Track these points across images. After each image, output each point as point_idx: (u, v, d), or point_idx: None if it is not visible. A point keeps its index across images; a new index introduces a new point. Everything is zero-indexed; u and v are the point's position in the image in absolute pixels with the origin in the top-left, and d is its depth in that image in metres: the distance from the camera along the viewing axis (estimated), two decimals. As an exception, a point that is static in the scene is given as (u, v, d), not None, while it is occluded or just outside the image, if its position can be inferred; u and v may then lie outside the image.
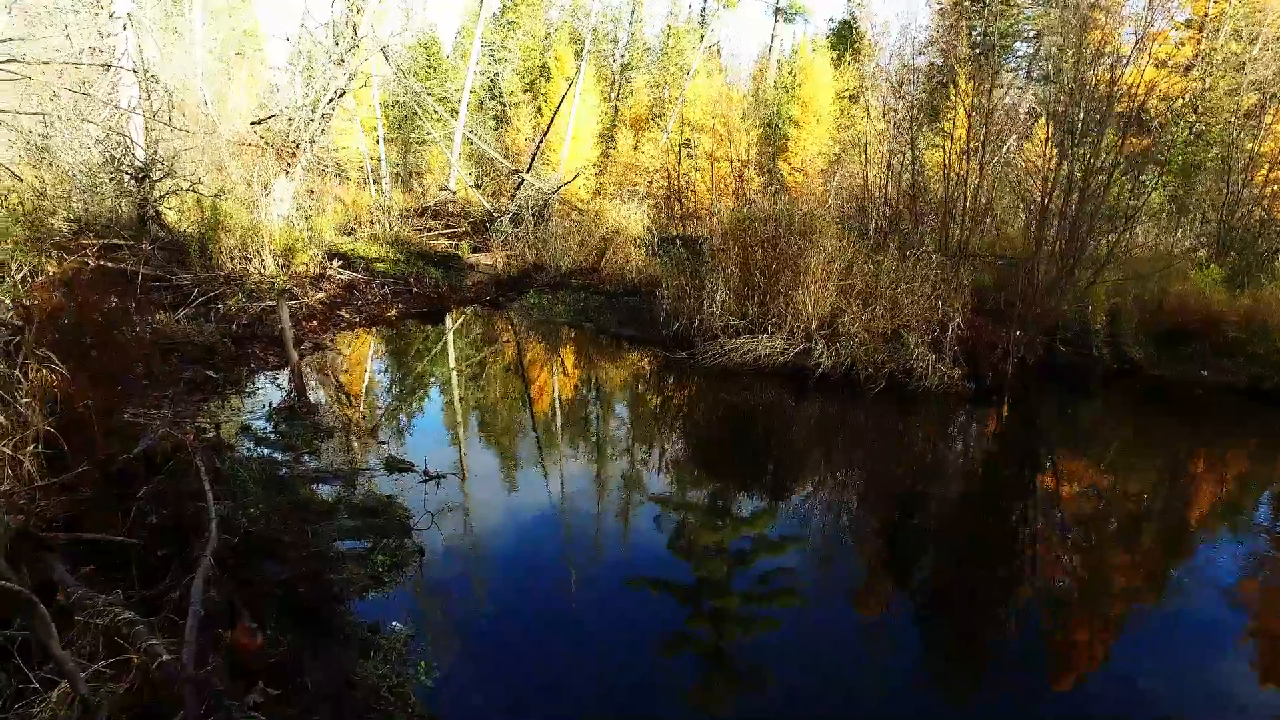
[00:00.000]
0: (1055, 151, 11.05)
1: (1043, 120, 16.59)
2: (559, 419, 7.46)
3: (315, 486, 4.77)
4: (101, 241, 12.91)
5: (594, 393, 9.05)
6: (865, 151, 16.20)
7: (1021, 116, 19.96)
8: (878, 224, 12.38)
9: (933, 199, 13.90)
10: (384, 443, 5.91)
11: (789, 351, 9.71)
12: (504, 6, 37.69)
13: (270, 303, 10.60)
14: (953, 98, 17.14)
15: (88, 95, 13.85)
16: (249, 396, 6.68)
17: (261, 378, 7.35)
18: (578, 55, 31.82)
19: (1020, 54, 35.02)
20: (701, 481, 6.18)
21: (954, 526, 5.59)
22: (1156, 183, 15.35)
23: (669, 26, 39.58)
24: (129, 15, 15.50)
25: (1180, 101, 20.12)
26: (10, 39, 9.95)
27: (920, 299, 10.11)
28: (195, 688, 2.11)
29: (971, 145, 12.64)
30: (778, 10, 42.29)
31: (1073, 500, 6.16)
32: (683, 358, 9.89)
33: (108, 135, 13.14)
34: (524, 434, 6.84)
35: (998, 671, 3.70)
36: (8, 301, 4.27)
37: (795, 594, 4.29)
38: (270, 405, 6.29)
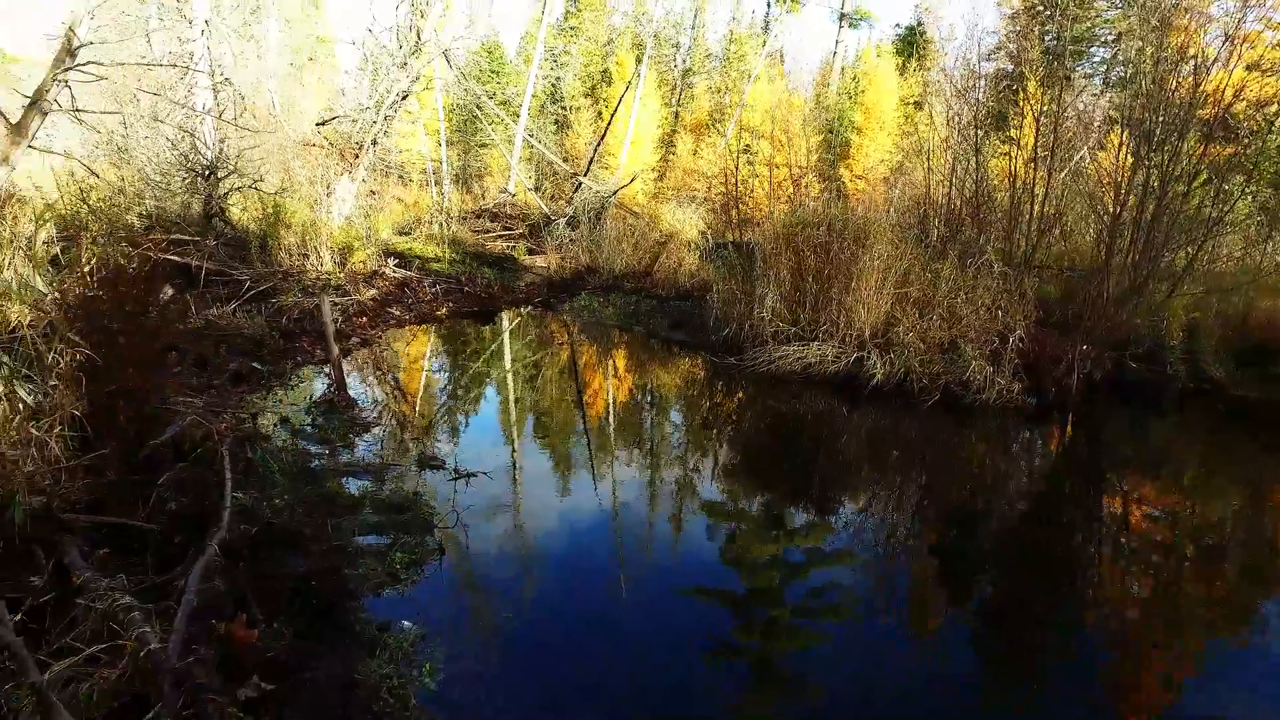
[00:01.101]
0: (1130, 159, 10.53)
1: (1117, 127, 15.90)
2: (601, 422, 7.34)
3: (344, 480, 4.74)
4: (170, 237, 13.38)
5: (639, 397, 8.91)
6: (928, 158, 15.82)
7: (1095, 124, 19.20)
8: (938, 232, 11.96)
9: (997, 207, 13.42)
10: (418, 439, 5.86)
11: (840, 360, 9.43)
12: (567, 12, 37.99)
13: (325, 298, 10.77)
14: (1021, 104, 16.55)
15: (164, 98, 14.35)
16: (291, 389, 6.73)
17: (306, 371, 7.42)
18: (639, 60, 31.88)
19: (1096, 59, 33.79)
20: (748, 491, 5.97)
21: (1012, 547, 5.27)
22: (1243, 192, 14.51)
23: (731, 32, 39.38)
24: (206, 22, 16.05)
25: (1275, 107, 19.06)
26: (91, 42, 10.29)
27: (980, 309, 9.72)
28: (175, 678, 2.04)
29: (1040, 153, 12.17)
30: (842, 16, 41.73)
31: (1142, 524, 5.75)
32: (731, 363, 9.70)
33: (181, 136, 13.58)
34: (563, 436, 6.73)
35: (1052, 700, 3.42)
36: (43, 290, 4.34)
37: (845, 608, 4.09)
38: (310, 398, 6.32)
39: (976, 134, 13.93)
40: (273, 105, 20.46)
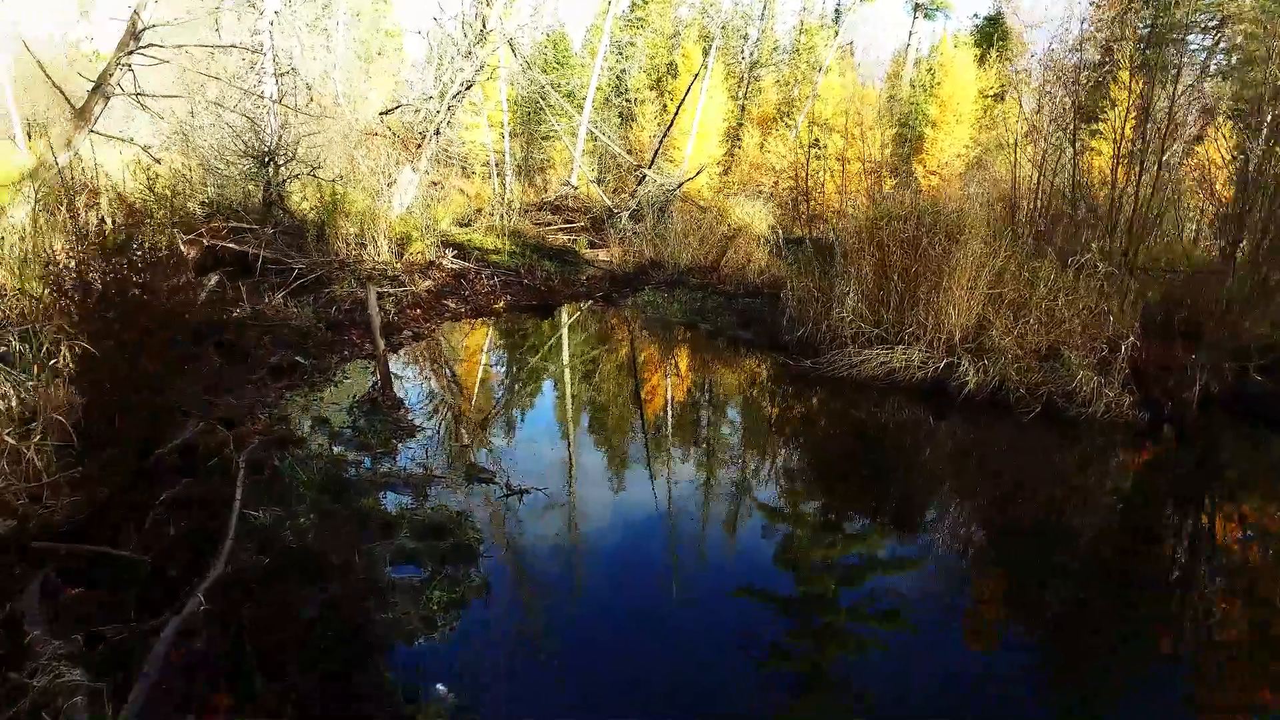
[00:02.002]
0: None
1: (1219, 118, 14.57)
2: (666, 429, 6.62)
3: (381, 494, 4.17)
4: (229, 224, 13.20)
5: (706, 401, 8.17)
6: (1015, 151, 14.86)
7: (1193, 116, 17.75)
8: (1034, 228, 10.95)
9: (1096, 203, 12.36)
10: (467, 446, 5.28)
11: (928, 366, 8.58)
12: (633, 4, 37.36)
13: (379, 289, 10.37)
14: (1113, 95, 15.30)
15: (231, 85, 14.22)
16: (335, 385, 6.23)
17: (353, 366, 6.94)
18: (706, 52, 31.09)
19: (1193, 47, 31.63)
20: (826, 505, 5.28)
21: (1101, 570, 4.57)
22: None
23: (801, 22, 38.21)
24: (276, 13, 15.96)
25: None
26: (155, 25, 10.05)
27: (1084, 313, 8.78)
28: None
29: (1139, 146, 11.11)
30: (917, 6, 40.24)
31: (1258, 555, 4.90)
32: (807, 366, 8.92)
33: (243, 122, 13.39)
34: (625, 445, 6.05)
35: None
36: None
37: (905, 619, 3.71)
38: (353, 397, 5.80)
39: (1075, 123, 12.88)
40: (337, 95, 20.33)
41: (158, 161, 12.92)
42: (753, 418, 7.64)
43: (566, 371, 8.37)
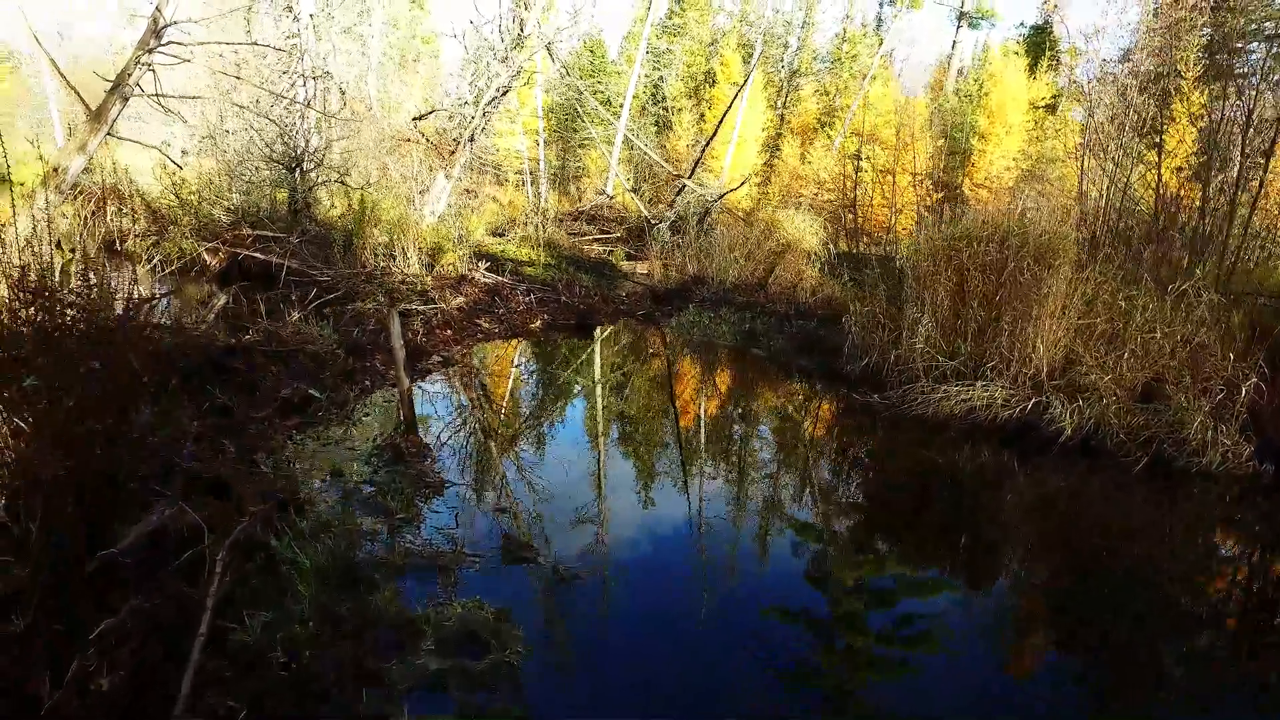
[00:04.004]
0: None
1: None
2: (737, 489, 5.61)
3: (401, 582, 3.38)
4: (255, 233, 12.62)
5: (776, 448, 7.07)
6: (1081, 161, 13.91)
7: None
8: (1130, 249, 9.95)
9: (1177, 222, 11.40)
10: (504, 509, 4.46)
11: (1012, 404, 7.66)
12: (670, 11, 36.73)
13: (406, 306, 9.65)
14: (1175, 107, 14.23)
15: (262, 88, 13.68)
16: (354, 424, 5.46)
17: (377, 397, 6.17)
18: (746, 60, 30.35)
19: (1255, 55, 30.15)
20: (899, 560, 4.47)
21: (1180, 628, 4.00)
22: None
23: (844, 30, 37.28)
24: (310, 16, 15.52)
25: None
26: (177, 21, 9.44)
27: (1187, 346, 7.82)
28: None
29: (1217, 159, 10.14)
30: (961, 15, 39.17)
31: None
32: (875, 402, 8.05)
33: (267, 126, 12.81)
34: (690, 507, 5.07)
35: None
36: None
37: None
38: (374, 441, 5.03)
39: (1160, 132, 11.90)
40: (369, 100, 19.82)
41: (180, 167, 12.38)
42: (824, 465, 6.74)
43: (615, 409, 7.53)
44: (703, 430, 7.23)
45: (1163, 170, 13.52)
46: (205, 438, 4.51)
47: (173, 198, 13.19)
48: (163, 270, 12.34)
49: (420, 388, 6.86)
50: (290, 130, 12.74)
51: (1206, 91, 12.89)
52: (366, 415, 5.64)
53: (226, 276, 12.22)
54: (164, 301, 8.30)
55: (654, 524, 4.71)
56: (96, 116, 9.06)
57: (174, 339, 5.05)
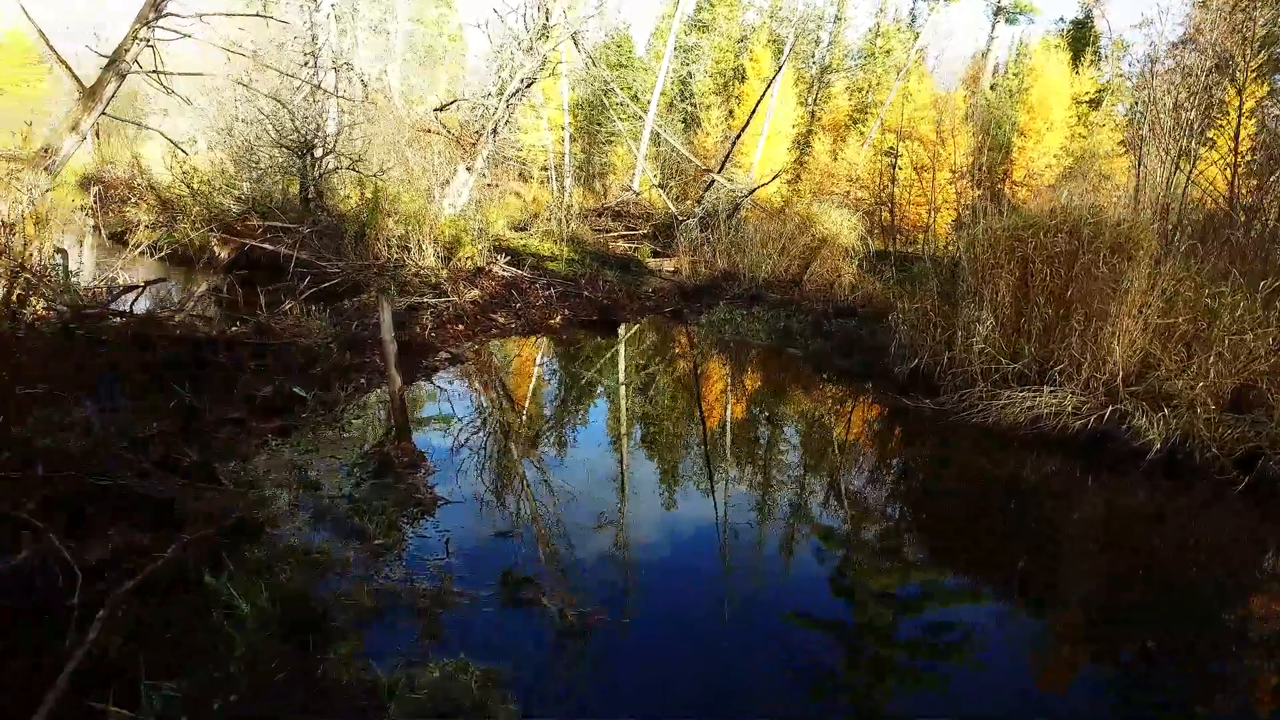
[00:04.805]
0: None
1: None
2: (774, 512, 4.77)
3: (368, 633, 2.68)
4: (266, 224, 12.09)
5: (824, 458, 6.25)
6: (1140, 156, 13.06)
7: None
8: (1215, 243, 9.02)
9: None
10: (506, 533, 3.73)
11: (1085, 413, 6.82)
12: (699, 6, 36.00)
13: (417, 299, 9.00)
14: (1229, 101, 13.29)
15: (270, 68, 13.17)
16: (341, 428, 4.77)
17: (371, 399, 5.48)
18: (777, 56, 29.55)
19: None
20: (960, 583, 3.84)
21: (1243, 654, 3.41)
22: None
23: (878, 24, 36.25)
24: (332, 7, 15.10)
25: None
26: (184, -2, 8.87)
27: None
28: None
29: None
30: (999, 10, 38.05)
31: None
32: (926, 407, 7.25)
33: (276, 110, 12.27)
34: (735, 543, 4.18)
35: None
36: None
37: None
38: (360, 448, 4.33)
39: (1239, 123, 10.97)
40: (388, 89, 19.32)
41: (186, 153, 11.86)
42: (877, 475, 5.95)
43: (640, 415, 6.78)
44: (741, 442, 6.46)
45: (1234, 160, 12.58)
46: (163, 442, 3.85)
47: (183, 188, 12.68)
48: (168, 262, 11.87)
49: (421, 387, 6.16)
50: (301, 115, 12.16)
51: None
52: (357, 418, 4.93)
53: (236, 268, 11.71)
54: (155, 291, 7.76)
55: (688, 558, 3.95)
56: (91, 95, 8.49)
57: (139, 329, 4.39)
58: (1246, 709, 3.15)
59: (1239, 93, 10.99)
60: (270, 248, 11.32)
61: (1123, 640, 3.51)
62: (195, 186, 12.95)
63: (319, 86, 12.47)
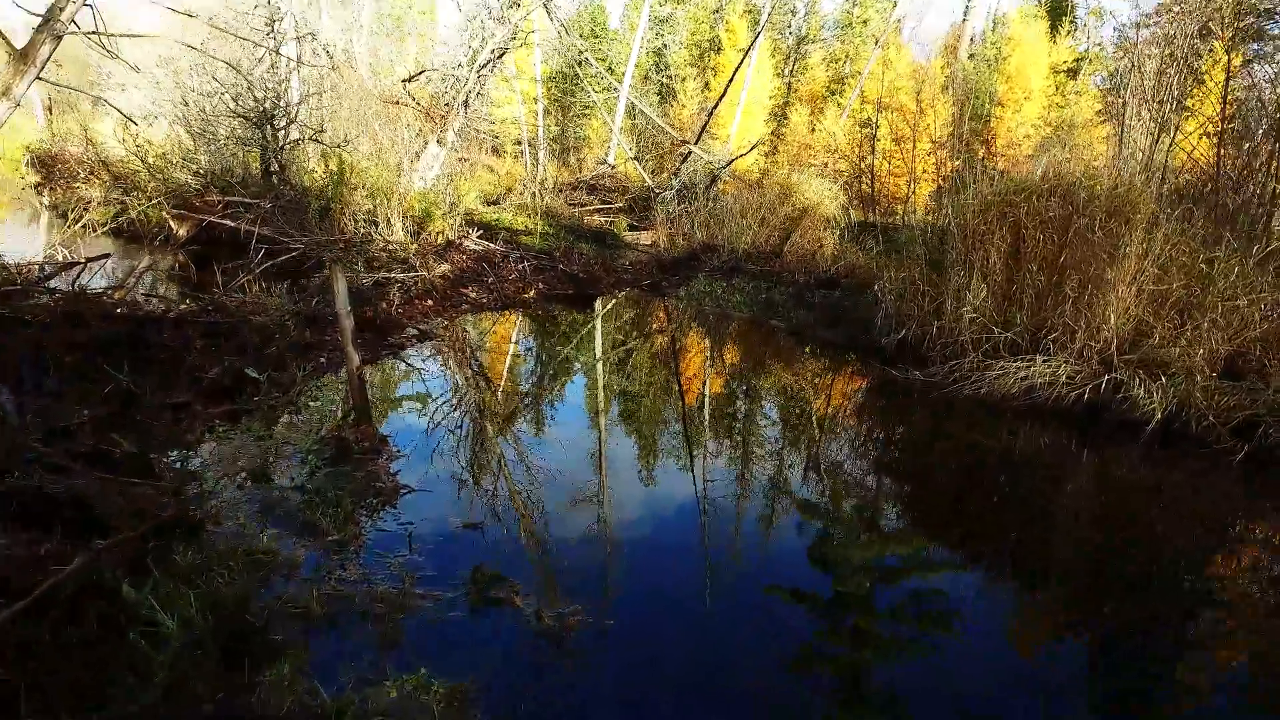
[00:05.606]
0: None
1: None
2: (762, 497, 4.40)
3: (316, 645, 2.35)
4: (226, 199, 11.56)
5: (814, 434, 5.89)
6: (1122, 123, 12.97)
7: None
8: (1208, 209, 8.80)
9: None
10: (476, 525, 3.41)
11: (1080, 382, 6.61)
12: (675, -25, 35.33)
13: (388, 274, 8.59)
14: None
15: (227, 33, 12.54)
16: (297, 412, 4.39)
17: (331, 379, 5.10)
18: (753, 25, 29.01)
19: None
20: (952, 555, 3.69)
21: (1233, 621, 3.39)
22: None
23: (856, -8, 35.73)
24: (294, -28, 14.42)
25: None
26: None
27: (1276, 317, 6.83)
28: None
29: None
30: (978, -23, 37.63)
31: None
32: (916, 379, 7.00)
33: (235, 80, 11.68)
34: (723, 537, 3.81)
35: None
36: None
37: None
38: (317, 432, 3.97)
39: (1226, 88, 10.75)
40: (354, 60, 18.68)
41: (135, 123, 11.28)
42: (870, 450, 5.68)
43: (619, 393, 6.44)
44: (724, 418, 6.16)
45: (1208, 128, 12.42)
46: (93, 431, 3.47)
47: (138, 162, 12.08)
48: (123, 239, 11.33)
49: (386, 365, 5.80)
50: (262, 85, 11.58)
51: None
52: (314, 400, 4.55)
53: (195, 245, 11.22)
54: (102, 269, 7.28)
55: (672, 539, 3.65)
56: (23, 58, 7.87)
57: (70, 307, 3.99)
58: (1231, 678, 3.06)
59: (1227, 52, 10.78)
60: (231, 224, 10.80)
61: (1110, 611, 3.39)
62: (150, 161, 12.36)
63: (277, 51, 11.87)
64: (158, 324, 4.73)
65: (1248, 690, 2.95)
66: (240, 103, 11.27)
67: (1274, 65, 12.35)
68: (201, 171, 12.35)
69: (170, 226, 11.67)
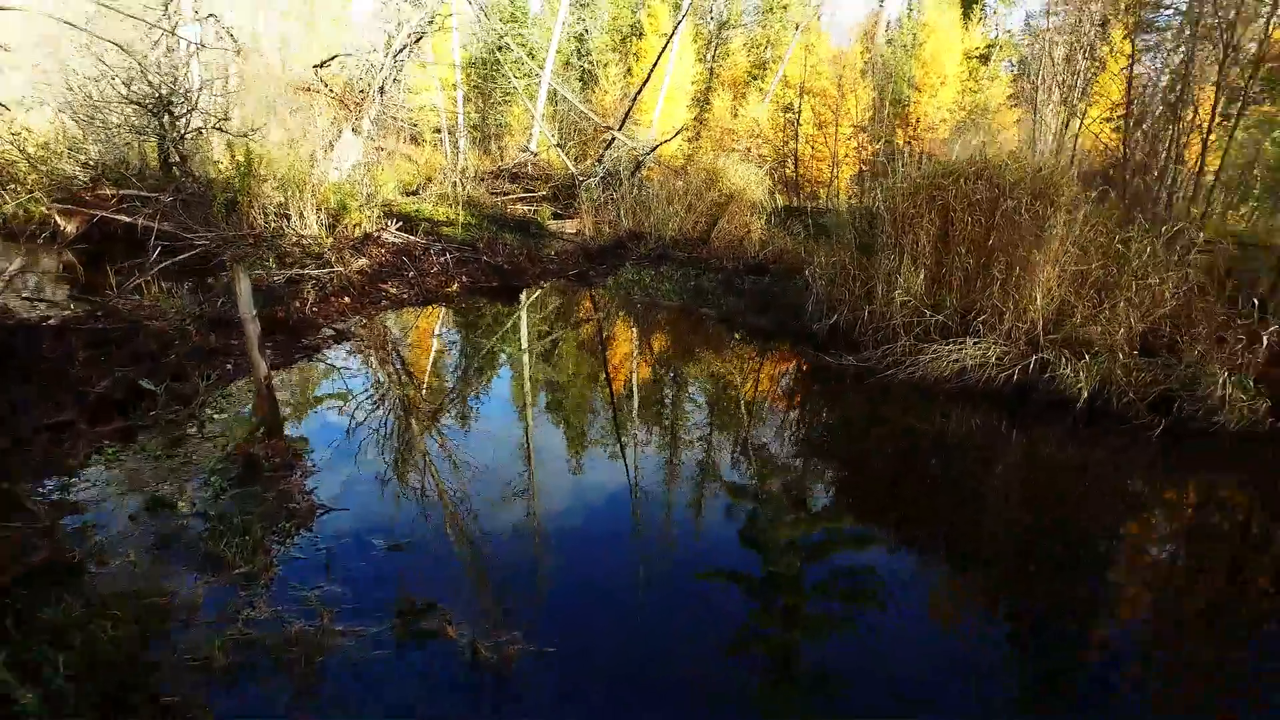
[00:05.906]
0: None
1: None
2: (711, 490, 4.26)
3: (214, 703, 2.08)
4: (120, 192, 10.79)
5: (747, 423, 5.71)
6: (1037, 109, 13.46)
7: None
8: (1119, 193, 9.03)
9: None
10: (403, 546, 3.14)
11: (1009, 363, 6.68)
12: (596, -40, 34.82)
13: (301, 270, 8.12)
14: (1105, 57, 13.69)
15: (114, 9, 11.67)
16: (200, 426, 4.01)
17: (240, 386, 4.71)
18: (675, 10, 28.84)
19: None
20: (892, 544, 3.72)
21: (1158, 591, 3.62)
22: None
23: (776, -22, 35.90)
24: (190, -45, 13.52)
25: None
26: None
27: (1185, 293, 7.08)
28: None
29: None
30: (891, -36, 38.35)
31: None
32: (848, 365, 6.96)
33: (127, 65, 10.88)
34: (664, 533, 3.67)
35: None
36: None
37: None
38: (224, 448, 3.61)
39: (1130, 78, 11.08)
40: (260, 44, 17.77)
41: (8, 109, 10.41)
42: (803, 437, 5.59)
43: (548, 390, 6.19)
44: (656, 407, 5.98)
45: (1112, 116, 12.84)
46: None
47: (15, 151, 11.14)
48: None
49: (300, 370, 5.41)
50: (155, 68, 10.82)
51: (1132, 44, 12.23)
52: (220, 413, 4.17)
53: (85, 242, 10.41)
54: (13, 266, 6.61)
55: (610, 542, 3.46)
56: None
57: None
58: (1156, 650, 3.14)
59: (1130, 40, 11.10)
60: (127, 219, 10.07)
61: (1038, 589, 3.44)
62: (30, 151, 11.43)
63: (173, 32, 11.11)
64: (34, 332, 4.27)
65: (1170, 661, 3.03)
66: (133, 88, 10.50)
67: (1161, 55, 12.82)
68: (91, 163, 11.48)
69: (56, 223, 10.81)
